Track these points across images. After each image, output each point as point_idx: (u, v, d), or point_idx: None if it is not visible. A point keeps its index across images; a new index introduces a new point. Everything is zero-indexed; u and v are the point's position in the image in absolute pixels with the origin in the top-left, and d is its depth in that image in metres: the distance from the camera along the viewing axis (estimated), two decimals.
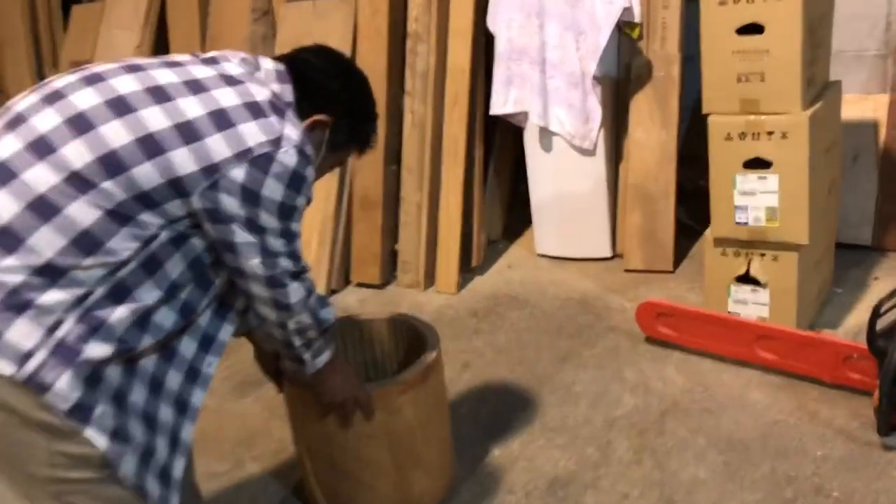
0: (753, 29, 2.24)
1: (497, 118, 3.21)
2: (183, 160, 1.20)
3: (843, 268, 2.88)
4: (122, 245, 1.18)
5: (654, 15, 3.07)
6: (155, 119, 1.19)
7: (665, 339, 2.54)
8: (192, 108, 1.22)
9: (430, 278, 3.15)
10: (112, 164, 1.17)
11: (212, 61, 1.34)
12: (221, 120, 1.22)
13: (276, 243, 1.32)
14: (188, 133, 1.20)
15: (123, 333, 1.20)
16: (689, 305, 2.70)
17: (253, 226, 1.27)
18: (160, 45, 4.17)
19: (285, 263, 1.35)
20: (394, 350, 2.08)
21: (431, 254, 3.14)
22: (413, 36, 3.09)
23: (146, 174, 1.18)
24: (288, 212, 1.30)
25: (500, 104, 3.11)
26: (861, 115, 2.99)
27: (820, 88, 2.44)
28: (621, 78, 3.16)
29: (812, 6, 2.23)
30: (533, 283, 3.12)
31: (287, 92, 1.37)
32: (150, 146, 1.18)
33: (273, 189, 1.25)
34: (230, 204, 1.24)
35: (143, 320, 1.23)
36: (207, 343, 1.37)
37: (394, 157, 3.13)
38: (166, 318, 1.27)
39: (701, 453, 2.08)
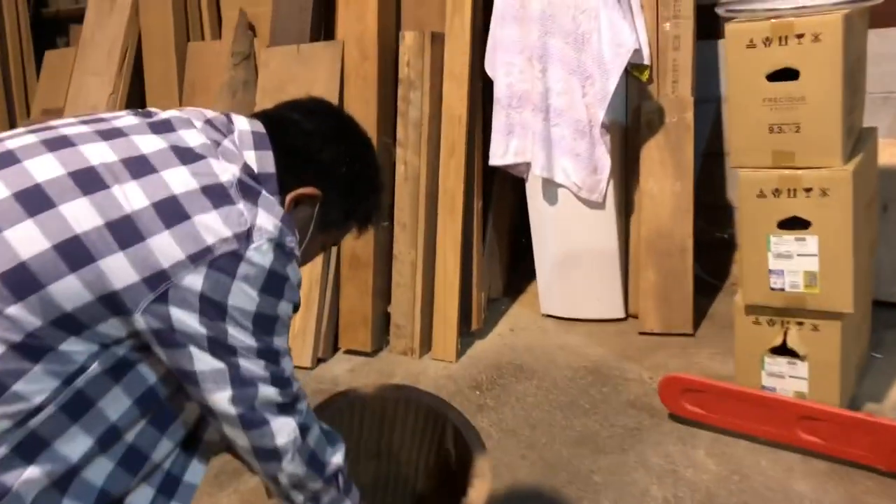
0: (786, 74, 2.00)
1: (496, 168, 2.96)
2: (119, 269, 0.92)
3: (880, 329, 2.63)
4: (35, 387, 0.91)
5: (665, 56, 2.85)
6: (82, 215, 0.93)
7: (693, 418, 2.27)
8: (132, 197, 0.95)
9: (426, 344, 2.87)
10: (20, 281, 0.90)
11: (165, 127, 1.06)
12: (171, 212, 0.95)
13: (254, 367, 1.02)
14: (126, 232, 0.93)
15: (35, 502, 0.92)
16: (718, 380, 2.44)
17: (219, 347, 0.98)
18: (136, 91, 3.94)
19: (267, 393, 1.04)
20: (409, 434, 1.73)
21: (427, 317, 2.87)
22: (405, 82, 2.85)
23: (69, 291, 0.91)
24: (266, 324, 1.01)
25: (500, 154, 2.87)
26: (890, 161, 2.77)
27: (857, 137, 2.21)
28: (630, 125, 2.93)
29: (850, 47, 2.00)
30: (539, 348, 2.85)
31: (267, 161, 1.10)
32: (75, 253, 0.91)
33: (243, 296, 0.97)
34: (186, 321, 0.95)
35: (64, 481, 0.95)
36: (169, 488, 1.09)
37: (385, 212, 2.88)
38: (100, 474, 0.99)
39: None
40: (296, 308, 1.07)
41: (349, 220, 1.27)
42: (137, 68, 3.93)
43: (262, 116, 1.19)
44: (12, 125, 4.47)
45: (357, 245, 2.86)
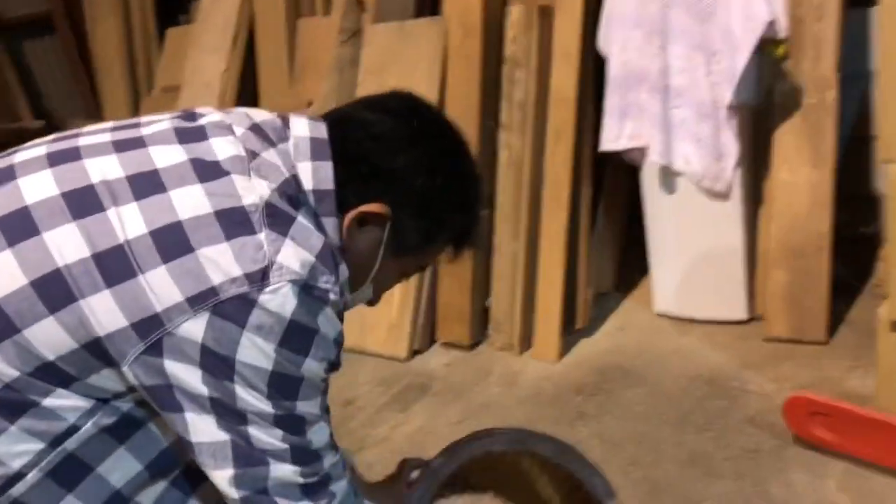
0: None
1: (608, 154, 2.73)
2: (104, 311, 0.77)
3: None
4: (13, 449, 0.79)
5: (805, 28, 2.52)
6: (67, 245, 0.79)
7: (822, 445, 2.00)
8: (129, 222, 0.79)
9: (526, 341, 2.70)
10: None
11: (195, 135, 0.88)
12: (172, 242, 0.79)
13: (268, 438, 0.83)
14: (116, 266, 0.78)
15: None
16: (854, 401, 2.14)
17: (225, 412, 0.81)
18: (248, 68, 3.93)
19: (283, 472, 0.84)
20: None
21: (528, 313, 2.69)
22: (510, 60, 2.66)
23: (49, 336, 0.78)
24: (287, 386, 0.82)
25: (613, 139, 2.63)
26: None
27: None
28: (762, 106, 2.61)
29: None
30: (651, 351, 2.61)
31: (324, 174, 0.90)
32: (54, 291, 0.78)
33: (255, 352, 0.79)
34: (184, 377, 0.79)
35: None
36: None
37: (486, 200, 2.71)
38: None
39: None
40: (334, 367, 0.88)
41: (432, 244, 1.03)
42: (250, 45, 3.91)
43: (330, 117, 0.99)
44: (136, 104, 4.59)
45: None
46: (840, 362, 2.42)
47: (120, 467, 0.84)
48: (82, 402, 0.81)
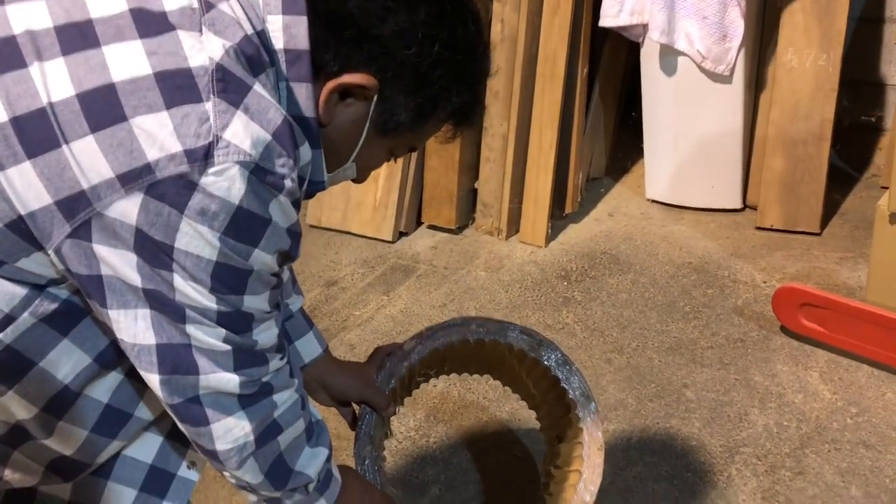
0: None
1: (607, 31, 2.59)
2: (25, 186, 0.67)
3: None
4: None
5: None
6: None
7: (809, 335, 1.98)
8: (54, 82, 0.67)
9: (513, 225, 2.64)
10: None
11: None
12: (103, 107, 0.67)
13: (208, 339, 0.74)
14: (37, 134, 0.67)
15: None
16: (843, 292, 2.12)
17: (160, 307, 0.72)
18: None
19: (219, 381, 0.76)
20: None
21: (517, 196, 2.62)
22: None
23: None
24: (234, 279, 0.72)
25: (613, 14, 2.48)
26: None
27: None
28: None
29: None
30: (640, 238, 2.56)
31: (297, 32, 0.76)
32: None
33: (197, 240, 0.69)
34: (115, 264, 0.69)
35: (14, 443, 0.78)
36: (160, 483, 0.90)
37: (483, 109, 2.57)
38: (67, 443, 0.80)
39: None
40: (288, 258, 0.78)
41: (425, 123, 0.87)
42: None
43: None
44: None
45: None
46: (831, 252, 2.38)
47: (66, 361, 0.76)
48: (16, 289, 0.72)
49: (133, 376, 0.82)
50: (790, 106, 2.43)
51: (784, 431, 1.76)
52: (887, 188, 1.91)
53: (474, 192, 2.70)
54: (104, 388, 0.81)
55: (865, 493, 1.60)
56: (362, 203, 2.69)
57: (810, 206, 2.46)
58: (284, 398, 0.84)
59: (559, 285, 2.36)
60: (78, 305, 0.76)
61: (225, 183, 0.67)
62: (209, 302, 0.72)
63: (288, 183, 0.72)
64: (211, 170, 0.67)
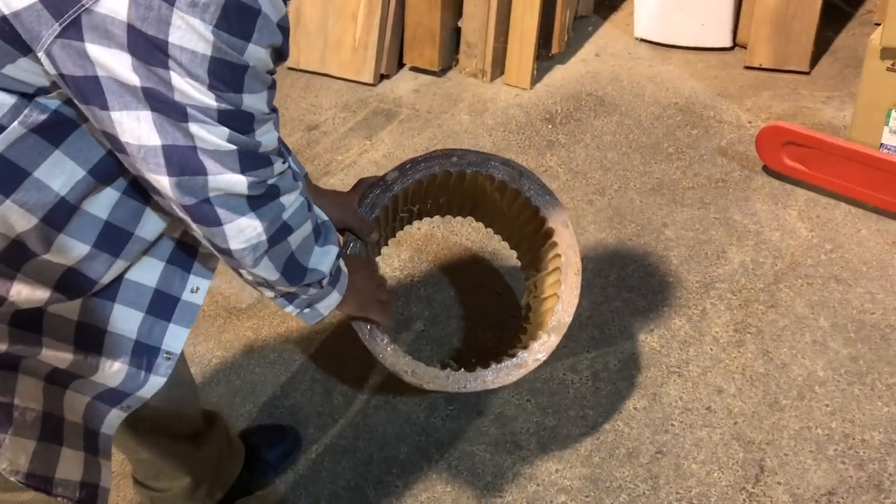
0: None
1: None
2: None
3: None
4: None
5: None
6: None
7: (791, 175, 1.99)
8: None
9: (498, 66, 2.57)
10: None
11: None
12: None
13: (211, 138, 0.74)
14: None
15: None
16: (829, 131, 2.12)
17: (161, 107, 0.71)
18: None
19: (227, 181, 0.77)
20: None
21: (502, 35, 2.53)
22: None
23: None
24: (231, 74, 0.72)
25: None
26: None
27: None
28: None
29: None
30: (627, 78, 2.51)
31: None
32: None
33: (191, 34, 0.68)
34: (110, 63, 0.68)
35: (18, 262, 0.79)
36: (185, 260, 0.93)
37: None
38: (69, 254, 0.81)
39: (822, 340, 1.64)
40: (280, 55, 0.77)
41: None
42: None
43: None
44: None
45: None
46: (819, 91, 2.35)
47: (60, 172, 0.76)
48: (3, 98, 0.71)
49: (131, 195, 0.83)
50: None
51: (759, 268, 1.81)
52: (881, 24, 1.86)
53: (458, 31, 2.61)
54: (102, 205, 0.82)
55: (833, 323, 1.66)
56: (341, 42, 2.60)
57: (801, 43, 2.40)
58: (291, 200, 0.87)
59: (543, 128, 2.33)
60: (68, 117, 0.75)
61: None
62: (209, 99, 0.72)
63: None
64: None
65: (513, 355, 1.23)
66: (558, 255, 1.25)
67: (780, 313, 1.70)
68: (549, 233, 1.26)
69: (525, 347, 1.23)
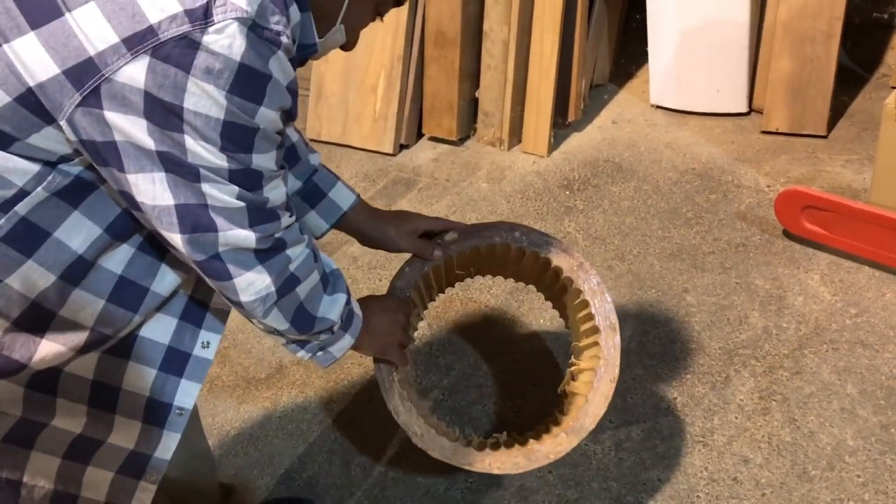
0: None
1: None
2: (32, 56, 0.69)
3: None
4: None
5: None
6: None
7: (811, 238, 1.98)
8: None
9: (515, 134, 2.61)
10: None
11: None
12: None
13: (222, 196, 0.78)
14: (39, 4, 0.69)
15: None
16: (848, 194, 2.11)
17: (175, 168, 0.74)
18: None
19: (237, 236, 0.81)
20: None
21: (519, 104, 2.58)
22: None
23: None
24: (241, 136, 0.75)
25: None
26: None
27: None
28: None
29: None
30: (644, 145, 2.53)
31: None
32: None
33: (205, 99, 0.71)
34: (128, 129, 0.72)
35: (37, 326, 0.81)
36: (195, 315, 0.95)
37: None
38: (87, 313, 0.83)
39: (850, 408, 1.60)
40: (290, 116, 0.81)
41: None
42: None
43: None
44: None
45: (443, 21, 2.53)
46: (836, 155, 2.35)
47: (78, 231, 0.80)
48: (28, 166, 0.75)
49: (145, 251, 0.86)
50: (799, 3, 2.36)
51: (783, 333, 1.78)
52: None
53: (475, 101, 2.66)
54: (117, 260, 0.85)
55: (861, 390, 1.63)
56: (362, 115, 2.66)
57: (817, 107, 2.41)
58: (298, 252, 0.90)
59: (561, 194, 2.35)
60: (86, 181, 0.79)
61: (226, 40, 0.70)
62: (220, 161, 0.75)
63: (284, 39, 0.74)
64: (212, 28, 0.69)
65: (525, 442, 1.21)
66: (597, 357, 1.25)
67: (805, 380, 1.66)
68: (596, 330, 1.26)
69: (538, 438, 1.22)
